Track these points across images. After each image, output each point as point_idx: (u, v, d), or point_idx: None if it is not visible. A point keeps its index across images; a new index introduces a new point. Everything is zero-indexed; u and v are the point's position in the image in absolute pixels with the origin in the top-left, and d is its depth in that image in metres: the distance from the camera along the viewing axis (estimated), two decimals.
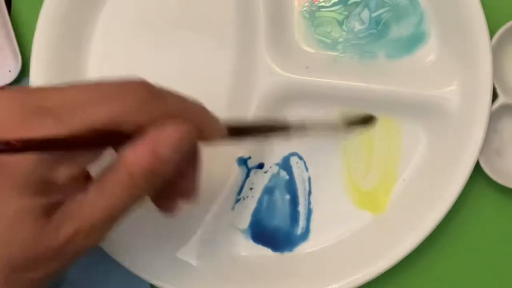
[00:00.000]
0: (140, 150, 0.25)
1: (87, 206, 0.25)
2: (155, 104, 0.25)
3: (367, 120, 0.39)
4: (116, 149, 0.26)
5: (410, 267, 0.40)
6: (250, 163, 0.39)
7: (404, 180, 0.39)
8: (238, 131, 0.31)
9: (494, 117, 0.38)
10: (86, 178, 0.26)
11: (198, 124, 0.27)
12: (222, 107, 0.40)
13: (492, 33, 0.37)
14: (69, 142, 0.23)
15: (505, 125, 0.39)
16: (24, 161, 0.23)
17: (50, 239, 0.24)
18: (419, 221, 0.37)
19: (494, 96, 0.38)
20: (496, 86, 0.38)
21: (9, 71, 0.41)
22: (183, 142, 0.26)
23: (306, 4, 0.40)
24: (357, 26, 0.40)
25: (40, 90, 0.25)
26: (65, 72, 0.40)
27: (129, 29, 0.41)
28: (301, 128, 0.34)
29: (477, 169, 0.38)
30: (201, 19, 0.40)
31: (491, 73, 0.37)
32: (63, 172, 0.24)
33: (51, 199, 0.24)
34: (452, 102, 0.38)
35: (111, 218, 0.26)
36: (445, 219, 0.37)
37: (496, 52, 0.38)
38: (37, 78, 0.39)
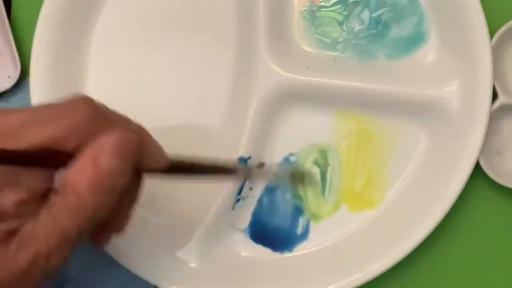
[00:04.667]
0: (80, 165, 0.24)
1: (41, 231, 0.25)
2: (95, 122, 0.25)
3: (303, 177, 0.40)
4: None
5: (410, 267, 0.40)
6: (250, 163, 0.39)
7: (404, 180, 0.39)
8: (182, 167, 0.30)
9: (494, 117, 0.38)
10: (39, 202, 0.25)
11: (140, 140, 0.26)
12: (222, 107, 0.40)
13: (492, 33, 0.37)
14: (8, 156, 0.23)
15: (505, 125, 0.39)
16: None
17: (10, 265, 0.24)
18: (419, 221, 0.37)
19: (494, 96, 0.38)
20: (496, 86, 0.38)
21: (8, 76, 0.41)
22: (122, 147, 0.25)
23: (306, 4, 0.40)
24: (357, 26, 0.40)
25: None
26: (65, 75, 0.40)
27: (129, 30, 0.41)
28: (247, 176, 0.34)
29: (477, 169, 0.38)
30: (201, 19, 0.40)
31: (491, 73, 0.37)
32: (10, 197, 0.24)
33: (3, 227, 0.24)
34: (452, 102, 0.38)
35: (68, 240, 0.25)
36: (445, 219, 0.37)
37: (496, 52, 0.38)
38: (36, 82, 0.39)
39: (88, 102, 0.26)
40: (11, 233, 0.24)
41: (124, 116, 0.27)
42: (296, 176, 0.39)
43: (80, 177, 0.24)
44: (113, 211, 0.27)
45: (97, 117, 0.25)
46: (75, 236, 0.25)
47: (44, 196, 0.25)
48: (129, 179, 0.26)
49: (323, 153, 0.40)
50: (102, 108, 0.26)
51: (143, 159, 0.27)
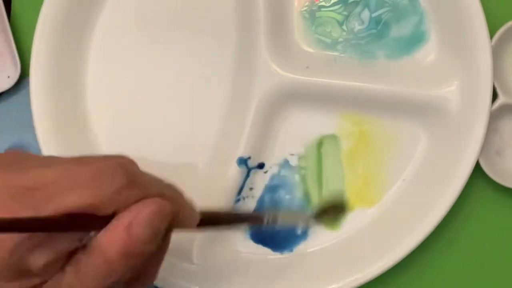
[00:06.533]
0: (113, 231, 0.24)
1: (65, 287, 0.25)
2: (131, 190, 0.25)
3: (339, 211, 0.36)
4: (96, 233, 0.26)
5: (410, 267, 0.40)
6: (250, 163, 0.39)
7: (404, 180, 0.39)
8: (212, 220, 0.31)
9: (494, 117, 0.38)
10: (65, 260, 0.25)
11: (174, 208, 0.26)
12: (222, 107, 0.40)
13: (492, 33, 0.37)
14: (44, 224, 0.23)
15: (505, 125, 0.39)
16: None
17: None
18: (419, 221, 0.37)
19: (494, 96, 0.38)
20: (496, 86, 0.38)
21: (8, 76, 0.41)
22: (155, 217, 0.25)
23: (306, 4, 0.40)
24: (357, 26, 0.40)
25: (21, 171, 0.25)
26: (65, 75, 0.40)
27: (129, 30, 0.41)
28: (273, 221, 0.34)
29: (477, 169, 0.38)
30: (201, 20, 0.40)
31: (491, 73, 0.37)
32: (40, 258, 0.24)
33: (29, 284, 0.24)
34: (452, 102, 0.38)
35: None
36: (445, 219, 0.37)
37: (496, 52, 0.38)
38: (36, 82, 0.39)
39: (125, 167, 0.26)
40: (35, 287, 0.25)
41: (157, 178, 0.27)
42: (324, 214, 0.36)
43: (112, 243, 0.24)
44: (143, 267, 0.27)
45: (133, 184, 0.25)
46: None
47: (71, 254, 0.25)
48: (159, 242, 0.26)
49: (323, 154, 0.40)
50: (139, 173, 0.26)
51: (176, 223, 0.27)
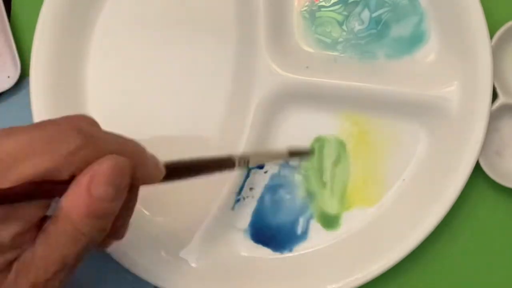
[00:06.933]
0: (74, 194, 0.24)
1: (39, 259, 0.25)
2: (86, 150, 0.25)
3: (306, 154, 0.39)
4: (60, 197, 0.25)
5: (410, 267, 0.40)
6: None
7: (404, 180, 0.39)
8: (179, 171, 0.30)
9: (494, 117, 0.38)
10: (36, 230, 0.25)
11: (134, 163, 0.26)
12: (222, 107, 0.40)
13: (492, 33, 0.37)
14: (3, 196, 0.23)
15: (505, 125, 0.39)
16: None
17: None
18: (419, 221, 0.37)
19: (494, 96, 0.38)
20: (496, 86, 0.38)
21: (8, 76, 0.41)
22: (114, 174, 0.24)
23: (306, 4, 0.40)
24: (357, 26, 0.40)
25: None
26: (65, 75, 0.40)
27: (129, 30, 0.41)
28: (245, 163, 0.34)
29: (477, 169, 0.38)
30: (201, 19, 0.40)
31: (491, 73, 0.37)
32: (7, 231, 0.24)
33: (2, 259, 0.24)
34: (452, 102, 0.38)
35: (65, 267, 0.25)
36: (445, 219, 0.37)
37: (496, 52, 0.38)
38: (36, 82, 0.39)
39: (78, 128, 0.25)
40: (9, 264, 0.24)
41: (117, 136, 0.27)
42: (295, 154, 0.39)
43: (74, 206, 0.24)
44: (112, 224, 0.27)
45: (89, 143, 0.25)
46: (73, 261, 0.25)
47: (40, 223, 0.25)
48: (124, 199, 0.26)
49: (325, 153, 0.40)
50: (93, 131, 0.26)
51: (138, 176, 0.27)
